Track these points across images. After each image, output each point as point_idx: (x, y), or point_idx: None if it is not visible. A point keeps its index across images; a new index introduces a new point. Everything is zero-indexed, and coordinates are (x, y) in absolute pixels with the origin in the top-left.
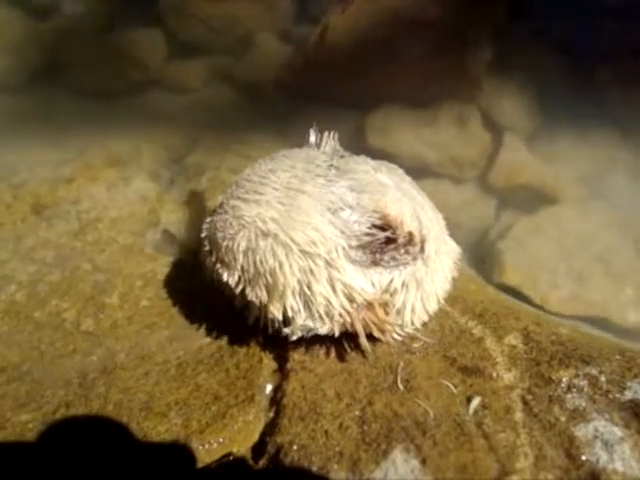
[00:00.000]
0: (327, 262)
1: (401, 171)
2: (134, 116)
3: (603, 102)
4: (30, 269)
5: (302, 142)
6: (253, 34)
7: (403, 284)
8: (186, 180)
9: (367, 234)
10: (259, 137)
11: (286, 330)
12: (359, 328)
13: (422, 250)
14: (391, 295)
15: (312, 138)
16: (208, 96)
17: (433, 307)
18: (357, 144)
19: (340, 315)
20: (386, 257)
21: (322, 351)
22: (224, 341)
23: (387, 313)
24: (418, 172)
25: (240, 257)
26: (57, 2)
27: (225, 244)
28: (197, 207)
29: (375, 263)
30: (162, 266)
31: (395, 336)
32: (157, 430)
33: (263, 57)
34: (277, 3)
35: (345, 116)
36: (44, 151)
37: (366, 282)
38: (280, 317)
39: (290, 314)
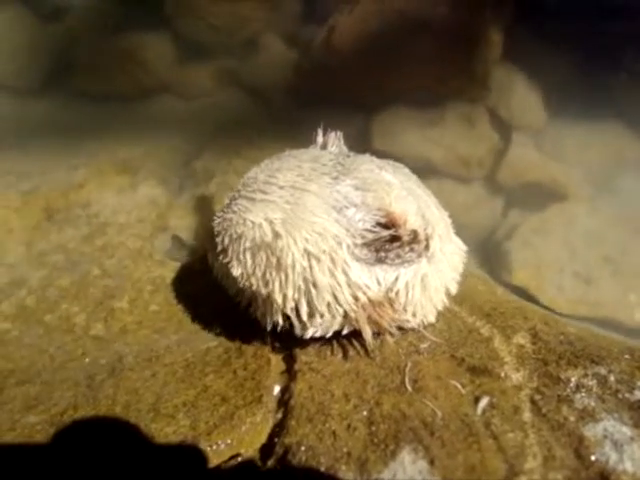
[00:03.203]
0: (332, 260)
1: (406, 170)
2: (143, 121)
3: (612, 100)
4: (40, 273)
5: (309, 144)
6: (260, 36)
7: (408, 282)
8: (195, 185)
9: (372, 232)
10: (267, 140)
11: (293, 329)
12: (364, 325)
13: (427, 248)
14: (396, 293)
15: (319, 138)
16: (216, 100)
17: (439, 305)
18: (364, 146)
19: (346, 312)
20: (391, 255)
21: (329, 351)
22: (232, 342)
23: (393, 310)
24: (425, 172)
25: (247, 256)
26: (66, 6)
27: (232, 243)
28: (206, 212)
29: (380, 261)
30: (171, 271)
31: (401, 333)
32: (165, 431)
33: (270, 59)
34: (283, 4)
35: (352, 118)
36: (54, 156)
37: (371, 280)
38: (286, 316)
39: (296, 312)
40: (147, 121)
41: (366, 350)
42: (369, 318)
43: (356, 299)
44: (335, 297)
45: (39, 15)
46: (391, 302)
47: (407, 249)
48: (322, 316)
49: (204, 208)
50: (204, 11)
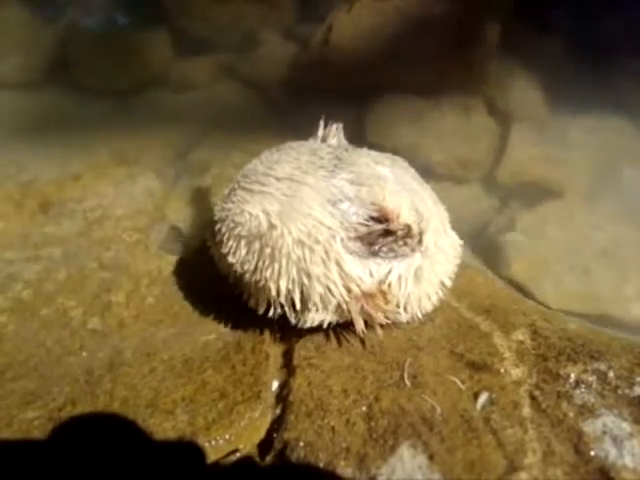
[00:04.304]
0: (326, 252)
1: (405, 163)
2: (140, 114)
3: (613, 93)
4: (36, 267)
5: (307, 138)
6: (258, 32)
7: (401, 275)
8: (191, 177)
9: (365, 226)
10: (264, 133)
11: (288, 319)
12: (356, 317)
13: (420, 242)
14: (389, 286)
15: (319, 131)
16: (213, 94)
17: (434, 298)
18: (359, 140)
19: (339, 304)
20: (384, 249)
21: (328, 346)
22: (230, 337)
23: (386, 302)
24: (422, 170)
25: (243, 246)
26: (64, 2)
27: (229, 233)
28: (202, 204)
29: (373, 254)
30: (168, 263)
31: (395, 326)
32: (163, 427)
33: (268, 55)
34: (282, 0)
35: (349, 112)
36: (51, 149)
37: (364, 272)
38: (281, 306)
39: (290, 302)
40: (144, 114)
41: (363, 343)
42: (361, 310)
43: (349, 291)
44: (328, 288)
45: (37, 11)
46: (384, 294)
47: (400, 243)
48: (316, 307)
49: (201, 200)
50: (203, 7)
